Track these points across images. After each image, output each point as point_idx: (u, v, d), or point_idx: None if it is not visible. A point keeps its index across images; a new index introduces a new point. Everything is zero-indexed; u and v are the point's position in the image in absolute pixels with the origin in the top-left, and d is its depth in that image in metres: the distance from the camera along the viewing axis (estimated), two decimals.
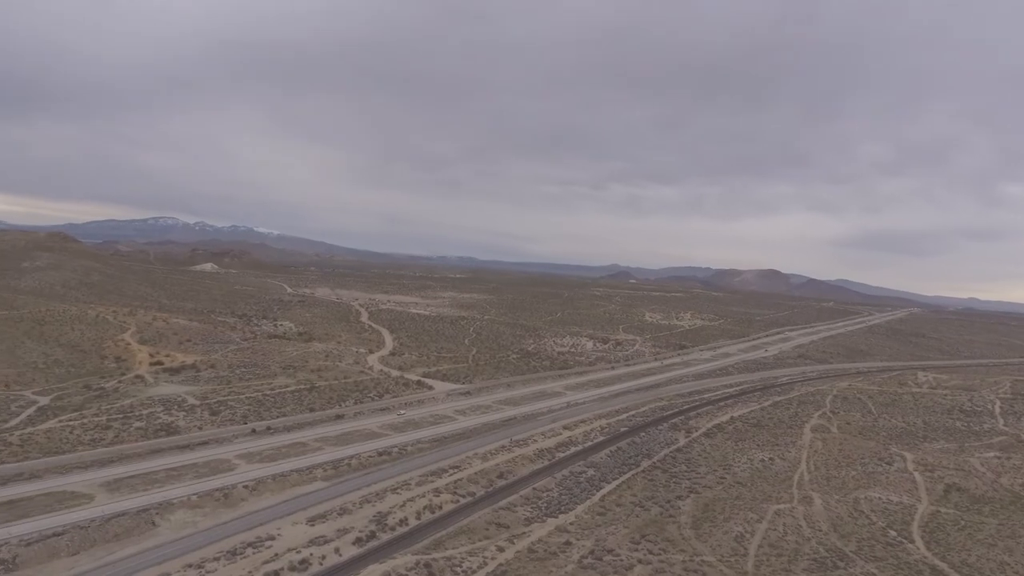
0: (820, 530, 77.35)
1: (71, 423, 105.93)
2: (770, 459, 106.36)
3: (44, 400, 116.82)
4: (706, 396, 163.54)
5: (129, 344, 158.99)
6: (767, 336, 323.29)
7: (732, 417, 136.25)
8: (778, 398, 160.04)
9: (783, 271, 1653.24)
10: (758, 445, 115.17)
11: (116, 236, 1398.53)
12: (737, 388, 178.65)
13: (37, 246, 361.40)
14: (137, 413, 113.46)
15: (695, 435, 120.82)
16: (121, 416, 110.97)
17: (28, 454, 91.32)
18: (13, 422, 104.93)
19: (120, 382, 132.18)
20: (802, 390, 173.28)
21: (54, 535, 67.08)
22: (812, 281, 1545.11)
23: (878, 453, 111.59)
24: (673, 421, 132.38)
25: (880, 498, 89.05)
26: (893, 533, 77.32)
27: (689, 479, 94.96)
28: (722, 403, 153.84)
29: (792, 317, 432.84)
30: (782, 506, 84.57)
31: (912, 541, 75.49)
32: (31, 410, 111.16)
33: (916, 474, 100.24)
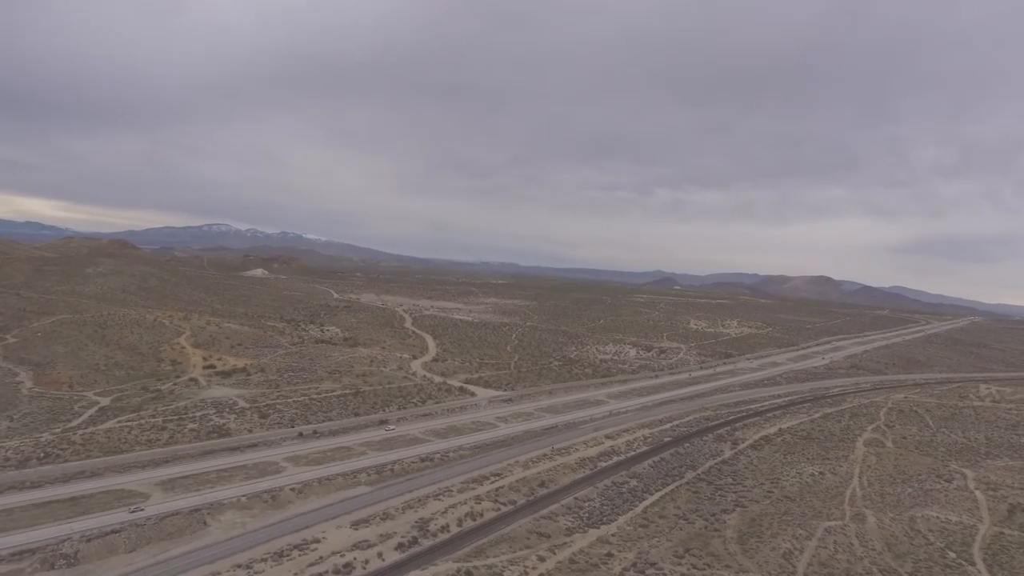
0: (873, 549, 74.49)
1: (129, 423, 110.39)
2: (820, 473, 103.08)
3: (105, 401, 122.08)
4: (753, 407, 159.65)
5: (184, 348, 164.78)
6: (818, 345, 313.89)
7: (780, 429, 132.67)
8: (829, 410, 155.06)
9: (835, 278, 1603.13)
10: (808, 458, 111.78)
11: (173, 242, 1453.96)
12: (786, 399, 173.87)
13: (100, 252, 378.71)
14: (191, 415, 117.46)
15: (741, 447, 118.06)
16: (176, 418, 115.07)
17: (90, 453, 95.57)
18: (76, 422, 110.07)
19: (175, 384, 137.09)
20: (855, 402, 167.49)
21: (112, 532, 69.92)
22: (866, 288, 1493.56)
23: (936, 470, 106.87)
24: (719, 432, 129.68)
25: (938, 517, 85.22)
26: (952, 555, 73.86)
27: (735, 492, 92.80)
28: (770, 414, 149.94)
29: (844, 325, 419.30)
30: (833, 523, 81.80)
31: (973, 564, 71.95)
32: (93, 410, 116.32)
33: (977, 493, 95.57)
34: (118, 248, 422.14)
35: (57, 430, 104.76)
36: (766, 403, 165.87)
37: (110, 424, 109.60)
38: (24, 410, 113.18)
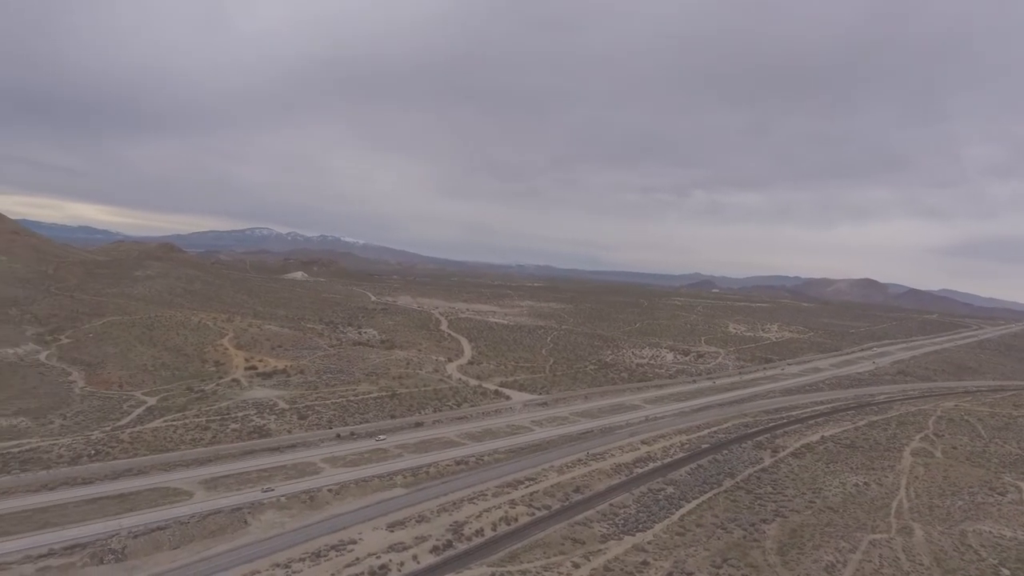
0: (921, 564, 71.88)
1: (175, 423, 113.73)
2: (865, 484, 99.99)
3: (152, 400, 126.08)
4: (794, 413, 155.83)
5: (227, 349, 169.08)
6: (862, 350, 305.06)
7: (823, 437, 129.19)
8: (874, 418, 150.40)
9: (880, 280, 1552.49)
10: (851, 468, 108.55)
11: (217, 246, 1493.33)
12: (828, 406, 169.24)
13: (148, 256, 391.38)
14: (233, 415, 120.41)
15: (782, 455, 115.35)
16: (219, 418, 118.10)
17: (137, 451, 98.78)
18: (125, 420, 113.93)
19: (218, 385, 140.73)
20: (902, 409, 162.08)
21: (158, 529, 72.06)
22: (913, 291, 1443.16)
23: (989, 482, 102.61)
24: (758, 439, 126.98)
25: (991, 532, 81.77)
26: (1006, 572, 70.74)
27: (775, 501, 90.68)
28: (812, 421, 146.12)
29: (890, 330, 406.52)
30: (878, 536, 79.21)
31: None
32: (140, 409, 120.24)
33: None
34: (165, 252, 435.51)
35: (107, 428, 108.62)
36: (808, 410, 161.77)
37: (157, 423, 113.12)
38: (76, 408, 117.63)
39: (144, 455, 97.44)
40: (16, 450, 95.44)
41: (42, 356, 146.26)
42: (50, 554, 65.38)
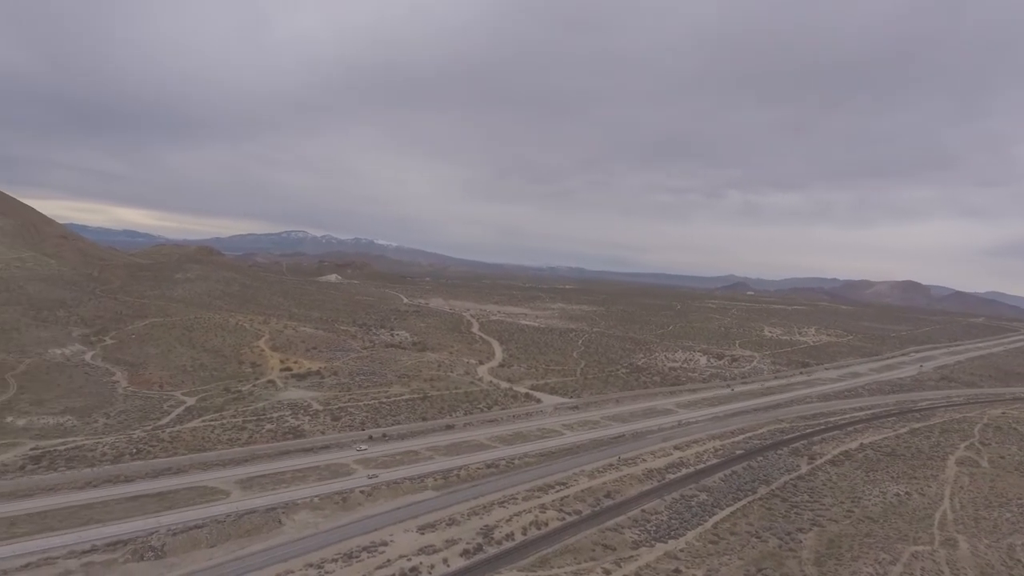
0: None
1: (212, 423, 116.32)
2: (906, 493, 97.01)
3: (191, 401, 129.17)
4: (832, 419, 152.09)
5: (263, 350, 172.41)
6: (904, 355, 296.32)
7: (862, 444, 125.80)
8: (917, 425, 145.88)
9: (923, 282, 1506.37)
10: (892, 477, 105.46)
11: (254, 249, 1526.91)
12: (868, 412, 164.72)
13: (188, 259, 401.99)
14: (268, 416, 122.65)
15: (819, 462, 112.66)
16: (255, 418, 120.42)
17: (176, 450, 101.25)
18: (165, 420, 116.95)
19: (254, 386, 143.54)
20: (945, 416, 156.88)
21: (195, 527, 73.76)
22: (958, 294, 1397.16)
23: None
24: (794, 446, 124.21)
25: None
26: None
27: (812, 510, 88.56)
28: (851, 428, 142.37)
29: (933, 334, 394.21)
30: (920, 548, 76.75)
31: None
32: (180, 409, 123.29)
33: None
34: (204, 255, 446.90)
35: (148, 427, 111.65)
36: (847, 416, 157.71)
37: (195, 423, 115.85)
38: (119, 408, 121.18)
39: (183, 454, 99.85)
40: (63, 448, 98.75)
41: (88, 356, 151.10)
42: (93, 550, 67.43)
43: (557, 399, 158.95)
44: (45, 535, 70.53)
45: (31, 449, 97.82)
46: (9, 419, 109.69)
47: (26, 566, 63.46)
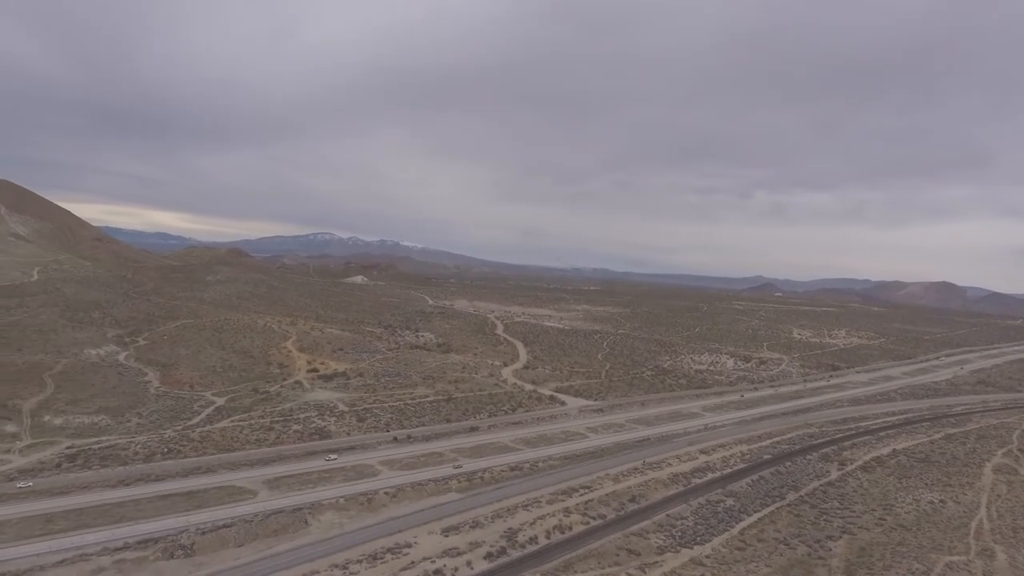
0: None
1: (241, 423, 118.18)
2: (941, 501, 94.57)
3: (220, 401, 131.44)
4: (863, 424, 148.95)
5: (291, 351, 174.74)
6: (938, 358, 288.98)
7: (894, 450, 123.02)
8: (951, 430, 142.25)
9: (958, 283, 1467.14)
10: (926, 484, 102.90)
11: (282, 250, 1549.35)
12: (901, 417, 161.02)
13: (218, 261, 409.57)
14: (295, 416, 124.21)
15: (850, 468, 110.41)
16: (282, 419, 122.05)
17: (206, 450, 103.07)
18: (195, 420, 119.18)
19: (282, 387, 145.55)
20: (982, 422, 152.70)
21: (224, 526, 74.94)
22: (995, 295, 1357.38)
23: None
24: (824, 451, 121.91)
25: None
26: None
27: (842, 518, 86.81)
28: (883, 433, 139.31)
29: (970, 336, 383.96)
30: (955, 558, 74.68)
31: None
32: (210, 410, 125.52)
33: None
34: (234, 257, 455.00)
35: (179, 427, 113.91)
36: (879, 421, 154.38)
37: (224, 423, 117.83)
38: (151, 408, 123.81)
39: (212, 454, 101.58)
40: (97, 447, 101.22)
41: (121, 357, 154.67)
42: (125, 547, 68.92)
43: (582, 401, 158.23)
44: (80, 532, 72.32)
45: (67, 447, 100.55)
46: (47, 418, 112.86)
47: (61, 562, 65.13)
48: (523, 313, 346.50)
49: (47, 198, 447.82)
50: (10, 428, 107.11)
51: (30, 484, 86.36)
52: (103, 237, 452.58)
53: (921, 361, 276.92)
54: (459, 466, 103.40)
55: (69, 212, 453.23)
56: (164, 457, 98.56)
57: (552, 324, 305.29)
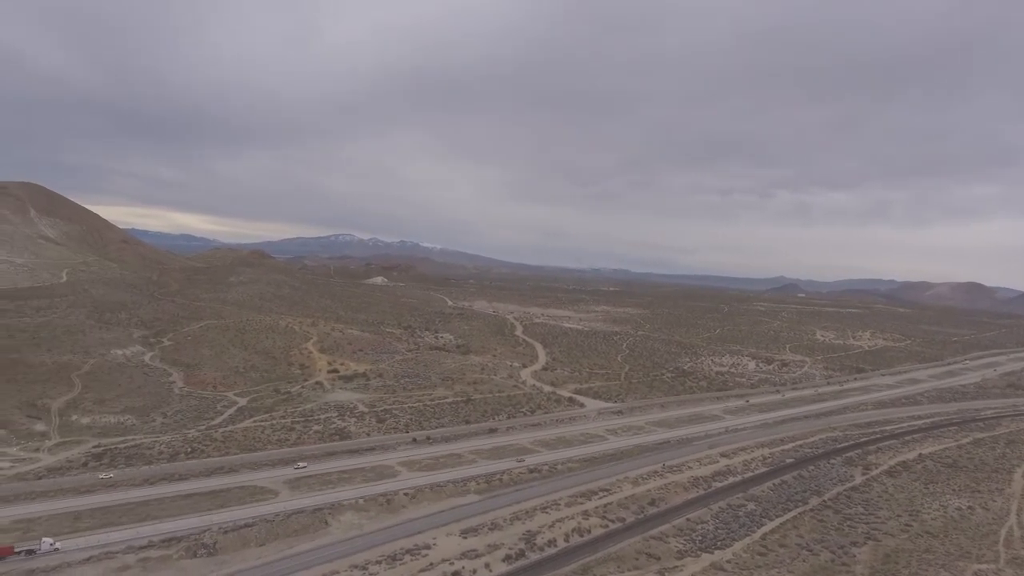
0: None
1: (262, 423, 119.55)
2: (969, 508, 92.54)
3: (243, 401, 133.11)
4: (888, 428, 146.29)
5: (311, 352, 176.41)
6: (966, 360, 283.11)
7: (921, 455, 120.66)
8: (980, 435, 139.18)
9: (987, 284, 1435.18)
10: (954, 490, 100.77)
11: (303, 252, 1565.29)
12: (927, 421, 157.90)
13: (241, 262, 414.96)
14: (316, 417, 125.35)
15: (875, 473, 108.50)
16: (303, 420, 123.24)
17: (228, 449, 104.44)
18: (218, 420, 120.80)
19: (303, 387, 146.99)
20: (1012, 427, 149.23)
21: (246, 526, 75.78)
22: None
23: None
24: (848, 455, 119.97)
25: None
26: None
27: (867, 523, 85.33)
28: (908, 437, 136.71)
29: (999, 338, 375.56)
30: (984, 566, 73.00)
31: None
32: (232, 410, 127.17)
33: None
34: (256, 258, 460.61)
35: (202, 427, 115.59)
36: (904, 425, 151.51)
37: (247, 423, 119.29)
38: (176, 407, 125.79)
39: (235, 454, 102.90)
40: (123, 446, 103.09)
41: (147, 357, 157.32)
42: (149, 545, 70.02)
43: (601, 403, 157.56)
44: (106, 530, 73.68)
45: (94, 447, 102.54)
46: (74, 417, 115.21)
47: (88, 559, 66.34)
48: (542, 314, 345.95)
49: (75, 201, 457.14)
50: (39, 427, 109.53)
51: (111, 475, 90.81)
52: (129, 239, 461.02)
53: (949, 363, 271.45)
54: (521, 460, 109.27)
55: (96, 215, 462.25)
56: (188, 456, 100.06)
57: (571, 325, 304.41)
